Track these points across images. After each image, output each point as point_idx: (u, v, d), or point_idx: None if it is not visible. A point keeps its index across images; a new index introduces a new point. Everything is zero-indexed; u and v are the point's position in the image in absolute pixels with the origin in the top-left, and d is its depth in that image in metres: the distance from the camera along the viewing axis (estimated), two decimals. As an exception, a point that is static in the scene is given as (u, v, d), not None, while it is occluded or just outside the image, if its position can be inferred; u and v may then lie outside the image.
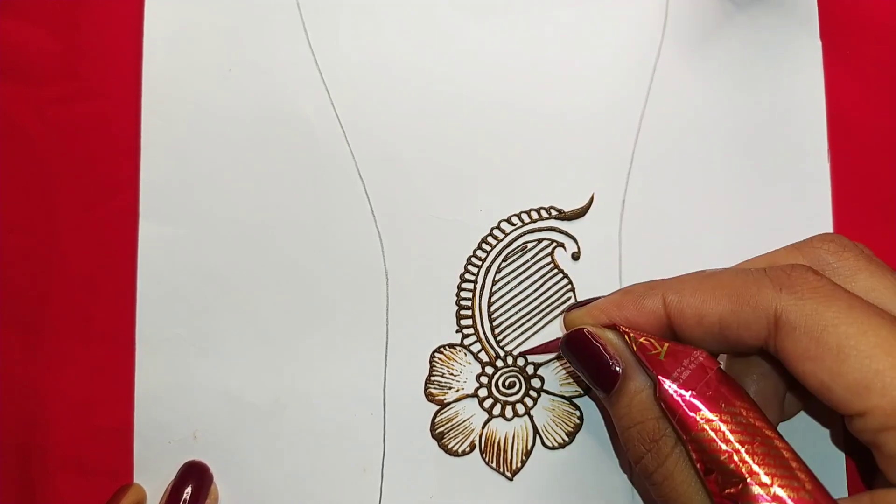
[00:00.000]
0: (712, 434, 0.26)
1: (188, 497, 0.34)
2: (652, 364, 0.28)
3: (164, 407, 0.36)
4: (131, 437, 0.36)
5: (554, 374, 0.35)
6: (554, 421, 0.35)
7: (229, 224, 0.36)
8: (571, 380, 0.35)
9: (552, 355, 0.35)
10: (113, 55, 0.38)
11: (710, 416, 0.26)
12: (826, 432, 0.34)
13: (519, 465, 0.35)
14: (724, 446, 0.25)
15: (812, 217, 0.36)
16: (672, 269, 0.31)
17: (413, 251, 0.36)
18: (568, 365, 0.35)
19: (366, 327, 0.36)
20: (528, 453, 0.35)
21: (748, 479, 0.25)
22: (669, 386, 0.27)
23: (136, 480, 0.35)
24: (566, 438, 0.35)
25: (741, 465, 0.25)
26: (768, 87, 0.37)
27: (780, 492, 0.24)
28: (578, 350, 0.30)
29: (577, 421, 0.35)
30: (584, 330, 0.30)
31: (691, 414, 0.26)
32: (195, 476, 0.34)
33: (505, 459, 0.35)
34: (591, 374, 0.30)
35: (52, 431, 0.36)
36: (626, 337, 0.29)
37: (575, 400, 0.35)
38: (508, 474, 0.35)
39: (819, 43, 0.37)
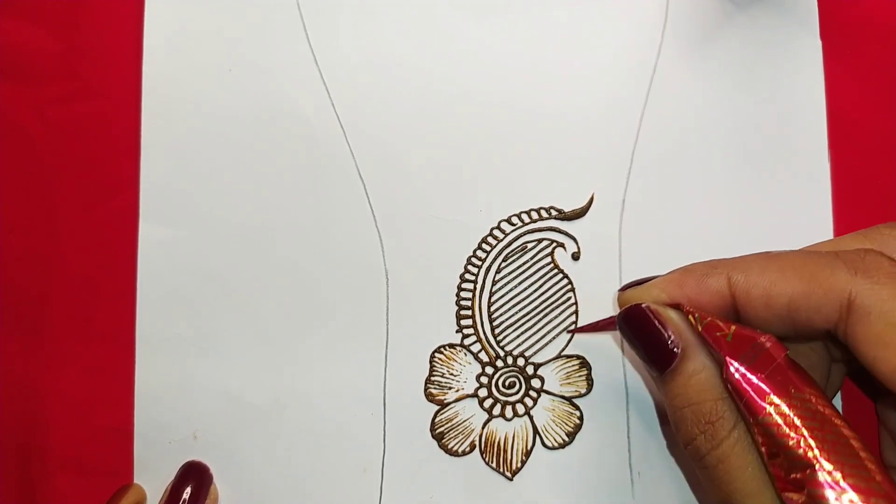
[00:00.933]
0: (780, 419, 0.25)
1: (188, 497, 0.34)
2: (718, 346, 0.27)
3: (165, 407, 0.36)
4: (131, 437, 0.36)
5: (554, 375, 0.35)
6: (554, 421, 0.35)
7: (229, 224, 0.36)
8: (571, 380, 0.35)
9: (552, 355, 0.35)
10: (113, 55, 0.38)
11: (779, 401, 0.26)
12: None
13: (519, 465, 0.35)
14: (791, 432, 0.25)
15: (812, 217, 0.36)
16: (672, 268, 0.31)
17: (413, 251, 0.36)
18: (568, 365, 0.35)
19: (366, 327, 0.36)
20: (527, 453, 0.35)
21: (815, 466, 0.24)
22: (738, 369, 0.26)
23: (136, 480, 0.35)
24: (566, 438, 0.35)
25: (808, 451, 0.25)
26: (768, 86, 0.37)
27: (848, 481, 0.24)
28: (637, 327, 0.29)
29: (577, 421, 0.35)
30: (645, 306, 0.29)
31: (759, 399, 0.26)
32: (195, 476, 0.34)
33: (505, 459, 0.35)
34: (648, 353, 0.29)
35: (52, 431, 0.36)
36: (690, 317, 0.28)
37: (575, 400, 0.35)
38: (508, 474, 0.35)
39: (819, 43, 0.37)
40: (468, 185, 0.36)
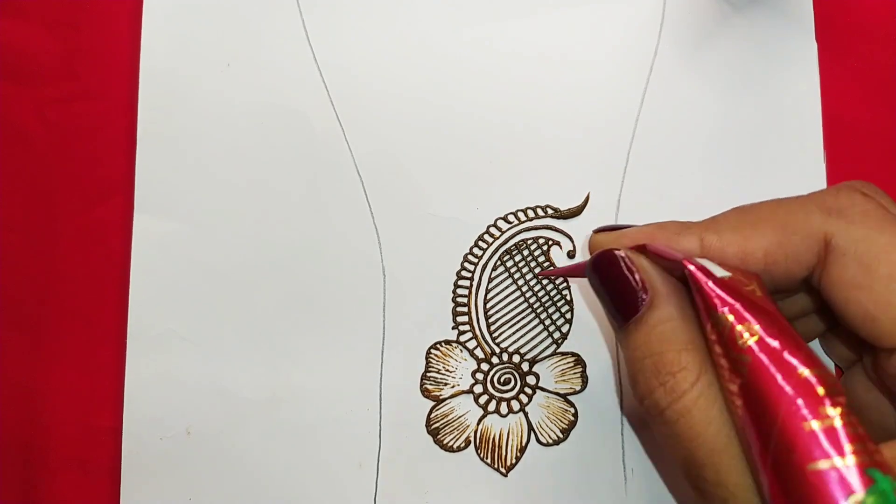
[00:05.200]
0: (733, 317, 0.24)
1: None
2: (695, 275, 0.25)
3: (157, 403, 0.36)
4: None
5: (549, 372, 0.35)
6: (548, 418, 0.35)
7: (225, 219, 0.36)
8: (566, 377, 0.35)
9: (548, 352, 0.35)
10: (112, 55, 0.38)
11: (734, 300, 0.24)
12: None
13: (513, 461, 0.35)
14: (743, 328, 0.23)
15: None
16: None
17: (410, 248, 0.36)
18: (563, 362, 0.35)
19: (362, 323, 0.36)
20: (522, 450, 0.35)
21: (758, 338, 0.23)
22: (700, 267, 0.25)
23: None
24: (560, 435, 0.35)
25: (751, 329, 0.23)
26: (764, 88, 0.37)
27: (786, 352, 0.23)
28: (606, 272, 0.27)
29: (572, 418, 0.35)
30: (617, 251, 0.28)
31: (717, 294, 0.24)
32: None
33: (499, 456, 0.35)
34: (615, 300, 0.27)
35: (52, 431, 0.36)
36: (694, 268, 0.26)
37: (569, 397, 0.35)
38: (503, 470, 0.35)
39: (815, 44, 0.37)
40: (465, 183, 0.37)
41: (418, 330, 0.36)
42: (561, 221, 0.36)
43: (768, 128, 0.37)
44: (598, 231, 0.31)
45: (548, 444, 0.35)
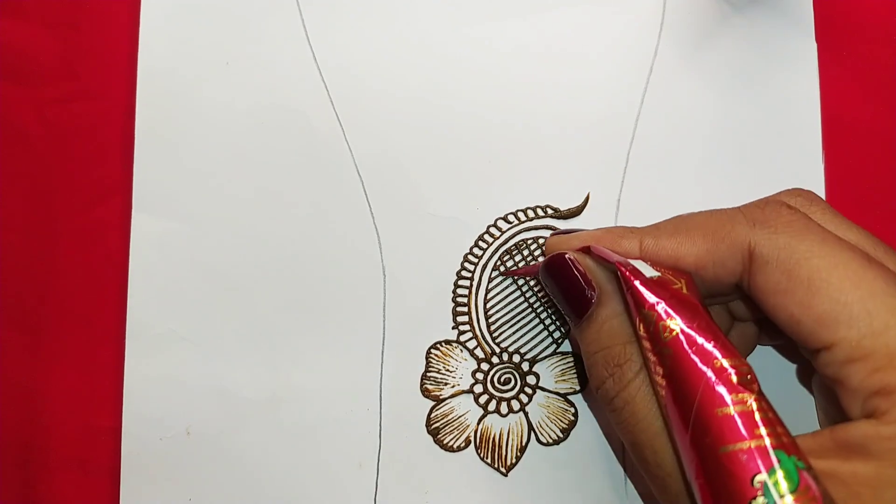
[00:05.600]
0: (662, 313, 0.26)
1: None
2: (628, 277, 0.27)
3: (157, 403, 0.36)
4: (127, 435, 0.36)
5: (549, 371, 0.35)
6: (549, 417, 0.35)
7: (225, 219, 0.36)
8: (566, 377, 0.35)
9: (548, 352, 0.35)
10: (112, 55, 0.38)
11: (660, 300, 0.26)
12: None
13: (514, 461, 0.35)
14: (670, 322, 0.26)
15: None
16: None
17: (410, 248, 0.36)
18: (563, 362, 0.35)
19: (363, 323, 0.36)
20: (522, 449, 0.35)
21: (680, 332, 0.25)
22: (631, 271, 0.27)
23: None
24: (561, 435, 0.35)
25: (673, 324, 0.26)
26: (764, 88, 0.37)
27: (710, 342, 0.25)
28: (557, 274, 0.30)
29: (572, 418, 0.35)
30: (566, 255, 0.30)
31: (646, 293, 0.26)
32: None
33: (500, 455, 0.35)
34: (566, 299, 0.30)
35: (52, 431, 0.36)
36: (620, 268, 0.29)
37: (569, 397, 0.35)
38: (503, 470, 0.35)
39: (814, 44, 0.37)
40: (465, 183, 0.37)
41: (418, 330, 0.36)
42: (561, 221, 0.36)
43: (768, 128, 0.37)
44: (553, 234, 0.33)
45: (548, 444, 0.35)
